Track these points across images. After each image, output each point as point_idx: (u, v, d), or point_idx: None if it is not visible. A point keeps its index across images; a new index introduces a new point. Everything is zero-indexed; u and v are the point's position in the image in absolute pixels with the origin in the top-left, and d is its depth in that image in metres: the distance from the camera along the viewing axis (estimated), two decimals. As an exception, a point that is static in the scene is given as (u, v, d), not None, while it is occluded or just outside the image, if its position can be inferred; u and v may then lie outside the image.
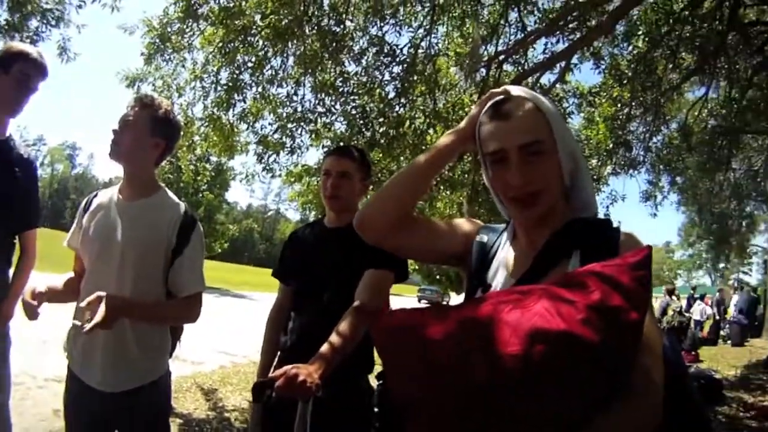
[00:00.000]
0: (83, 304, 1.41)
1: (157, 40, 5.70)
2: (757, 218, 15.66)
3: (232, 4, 5.48)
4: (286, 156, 6.08)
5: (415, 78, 5.52)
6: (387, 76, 5.67)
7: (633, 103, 6.96)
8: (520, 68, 6.02)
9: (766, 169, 13.55)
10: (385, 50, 5.65)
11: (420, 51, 5.65)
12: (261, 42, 5.74)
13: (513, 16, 6.08)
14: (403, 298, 24.29)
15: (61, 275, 1.78)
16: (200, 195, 24.62)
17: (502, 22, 5.96)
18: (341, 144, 5.64)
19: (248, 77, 5.92)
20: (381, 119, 5.49)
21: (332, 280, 1.78)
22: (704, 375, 5.99)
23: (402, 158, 5.53)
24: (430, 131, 5.54)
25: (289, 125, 5.92)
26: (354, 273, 1.70)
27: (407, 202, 1.06)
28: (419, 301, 27.29)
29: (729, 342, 12.76)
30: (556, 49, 6.10)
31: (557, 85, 6.40)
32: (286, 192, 8.08)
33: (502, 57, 5.80)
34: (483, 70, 5.58)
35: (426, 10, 5.84)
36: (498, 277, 1.00)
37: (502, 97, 0.97)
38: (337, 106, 5.75)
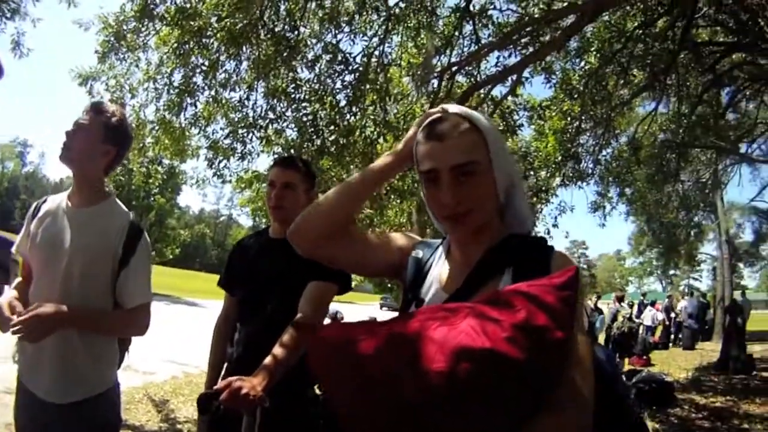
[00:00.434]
0: (16, 319, 1.41)
1: (112, 38, 5.59)
2: (705, 227, 16.41)
3: (188, 5, 5.40)
4: (236, 162, 6.03)
5: (367, 87, 5.53)
6: (339, 84, 5.68)
7: (583, 117, 7.18)
8: (472, 80, 6.12)
9: (714, 182, 14.28)
10: (339, 58, 5.65)
11: (373, 60, 5.68)
12: (216, 45, 5.66)
13: (468, 28, 6.20)
14: (365, 306, 24.26)
15: (12, 283, 1.75)
16: (152, 199, 24.01)
17: (456, 33, 6.05)
18: (292, 151, 5.62)
19: (201, 80, 5.83)
20: (332, 127, 5.47)
21: (276, 290, 1.78)
22: (656, 378, 6.18)
23: (352, 166, 5.54)
24: (381, 140, 5.56)
25: (240, 130, 5.85)
26: (298, 284, 1.71)
27: (340, 218, 1.06)
28: (381, 308, 27.28)
29: (681, 345, 13.28)
30: (509, 63, 6.25)
31: (508, 98, 6.53)
32: (238, 197, 7.98)
33: (455, 68, 5.88)
34: (435, 81, 5.64)
35: (381, 19, 5.88)
36: (431, 293, 1.01)
37: (438, 116, 0.97)
38: (289, 113, 5.72)
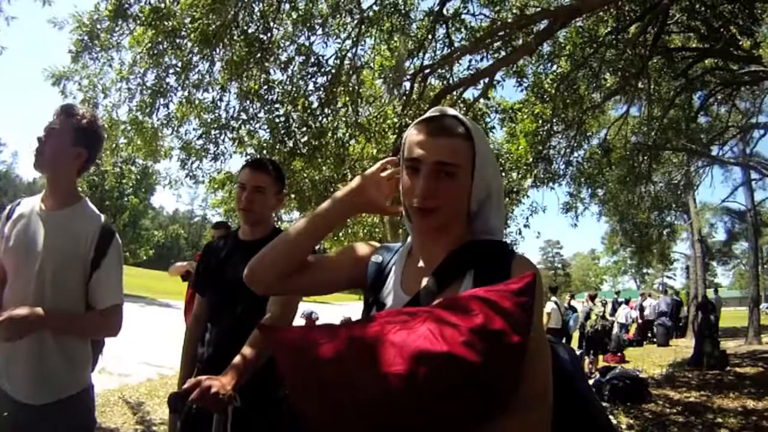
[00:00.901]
0: None
1: (86, 37, 5.51)
2: (678, 227, 16.81)
3: (162, 5, 5.36)
4: (209, 163, 6.00)
5: (340, 89, 5.57)
6: (312, 86, 5.71)
7: (555, 120, 7.30)
8: (444, 82, 6.20)
9: (686, 183, 14.65)
10: (312, 60, 5.67)
11: (346, 62, 5.72)
12: (189, 45, 5.63)
13: (441, 32, 6.27)
14: (340, 305, 24.18)
15: None
16: (125, 199, 23.64)
17: (429, 37, 6.12)
18: (264, 152, 5.62)
19: (174, 81, 5.79)
20: (304, 128, 5.49)
21: (245, 292, 1.77)
22: (629, 375, 6.31)
23: (324, 167, 5.57)
24: (352, 142, 5.60)
25: (213, 131, 5.83)
26: None
27: (296, 260, 1.07)
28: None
29: (655, 342, 13.56)
30: (481, 66, 6.34)
31: (480, 101, 6.63)
32: (212, 198, 7.94)
33: (427, 71, 5.96)
34: (407, 84, 5.71)
35: (355, 21, 5.91)
36: (392, 296, 1.02)
37: (438, 113, 1.00)
38: (261, 114, 5.72)
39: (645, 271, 37.30)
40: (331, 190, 5.60)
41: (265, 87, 5.68)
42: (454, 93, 6.14)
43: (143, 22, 5.38)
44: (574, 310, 9.81)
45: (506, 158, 7.39)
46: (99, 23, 5.53)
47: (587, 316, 9.48)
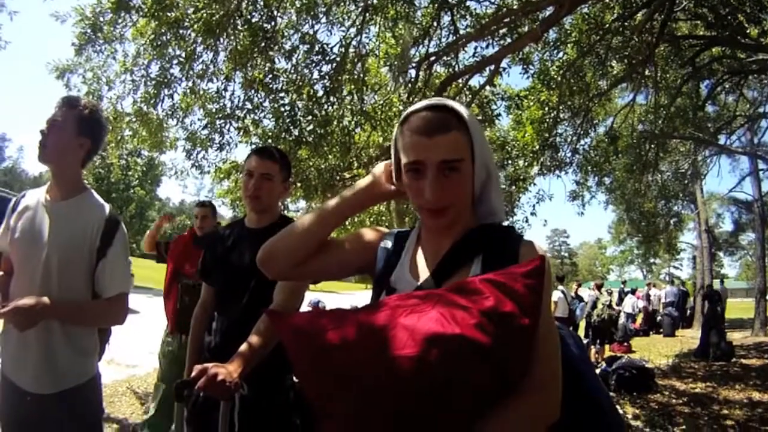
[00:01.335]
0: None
1: (89, 30, 5.51)
2: (685, 217, 16.71)
3: (165, -4, 5.34)
4: (215, 152, 6.01)
5: (345, 77, 5.54)
6: (316, 75, 5.66)
7: (561, 107, 7.25)
8: (450, 70, 6.15)
9: (693, 172, 14.54)
10: (316, 49, 5.64)
11: (351, 50, 5.68)
12: (192, 36, 5.62)
13: (446, 19, 6.22)
14: (347, 294, 24.24)
15: None
16: (131, 191, 23.71)
17: (434, 24, 6.07)
18: (269, 141, 5.61)
19: (178, 71, 5.78)
20: (309, 117, 5.47)
21: (252, 280, 1.78)
22: (635, 365, 6.30)
23: (330, 156, 5.56)
24: (358, 130, 5.58)
25: (218, 121, 5.82)
26: None
27: (312, 247, 1.06)
28: None
29: (662, 333, 13.53)
30: (487, 53, 6.29)
31: (486, 88, 6.58)
32: (218, 188, 7.97)
33: (432, 58, 5.92)
34: (413, 71, 5.67)
35: (359, 9, 5.87)
36: (401, 281, 1.02)
37: (422, 110, 0.96)
38: (266, 103, 5.69)
39: (652, 261, 37.10)
40: (337, 178, 5.59)
41: (270, 76, 5.65)
42: (460, 80, 6.09)
43: (146, 14, 5.37)
44: (580, 299, 9.80)
45: (513, 146, 7.34)
46: (102, 15, 5.52)
47: (594, 306, 9.45)
